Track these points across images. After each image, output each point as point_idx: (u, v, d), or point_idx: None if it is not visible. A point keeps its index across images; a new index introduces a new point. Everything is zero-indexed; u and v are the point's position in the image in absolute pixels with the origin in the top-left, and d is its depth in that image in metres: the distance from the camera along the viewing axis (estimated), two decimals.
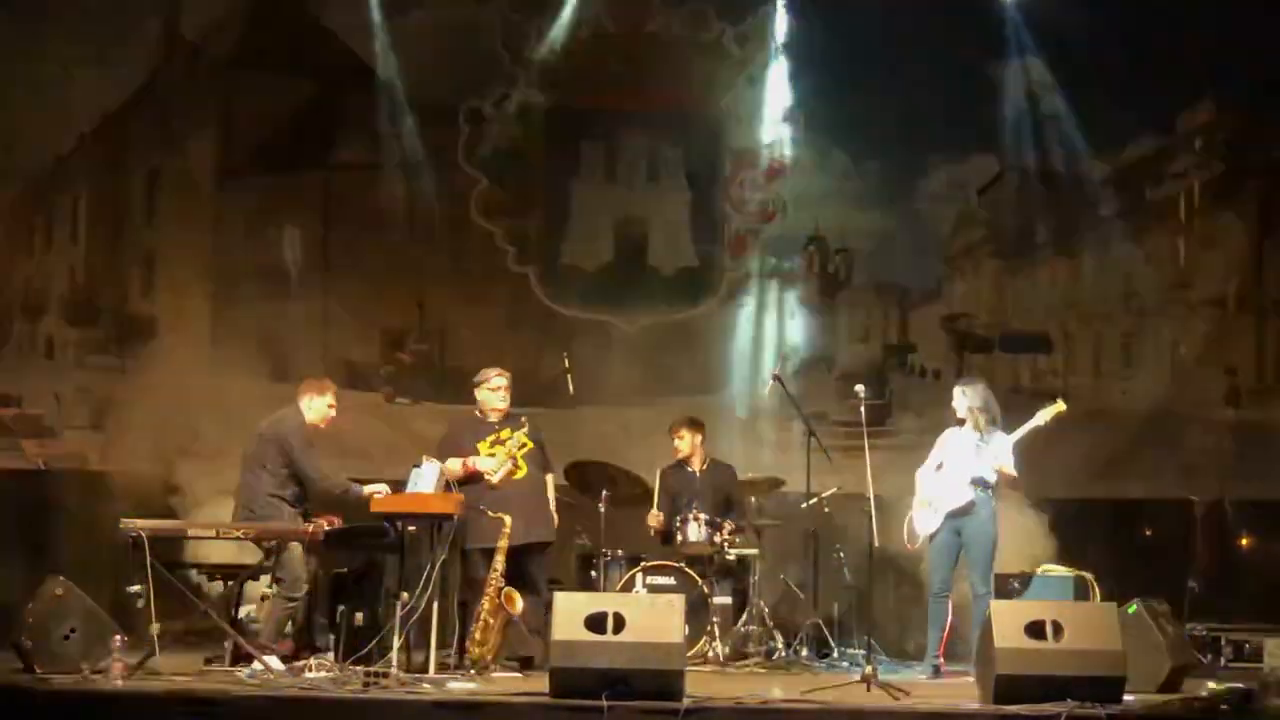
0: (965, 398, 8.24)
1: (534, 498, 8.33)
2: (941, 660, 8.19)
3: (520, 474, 8.30)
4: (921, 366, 11.14)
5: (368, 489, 7.84)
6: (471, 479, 8.21)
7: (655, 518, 9.16)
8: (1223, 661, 9.10)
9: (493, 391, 8.42)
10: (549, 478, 8.56)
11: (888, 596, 9.73)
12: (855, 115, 10.98)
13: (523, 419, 8.37)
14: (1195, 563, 9.35)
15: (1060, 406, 8.16)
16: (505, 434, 8.33)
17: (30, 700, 6.61)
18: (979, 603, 8.03)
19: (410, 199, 11.32)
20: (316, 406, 8.07)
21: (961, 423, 8.25)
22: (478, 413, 8.47)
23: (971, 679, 7.26)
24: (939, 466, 8.25)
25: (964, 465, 8.13)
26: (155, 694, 6.59)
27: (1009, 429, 8.18)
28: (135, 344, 10.83)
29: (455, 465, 8.19)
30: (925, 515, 8.21)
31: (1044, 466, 9.67)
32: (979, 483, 8.10)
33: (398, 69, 11.21)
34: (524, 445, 8.29)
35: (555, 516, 8.52)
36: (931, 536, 8.19)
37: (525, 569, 8.24)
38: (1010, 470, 8.12)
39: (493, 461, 8.25)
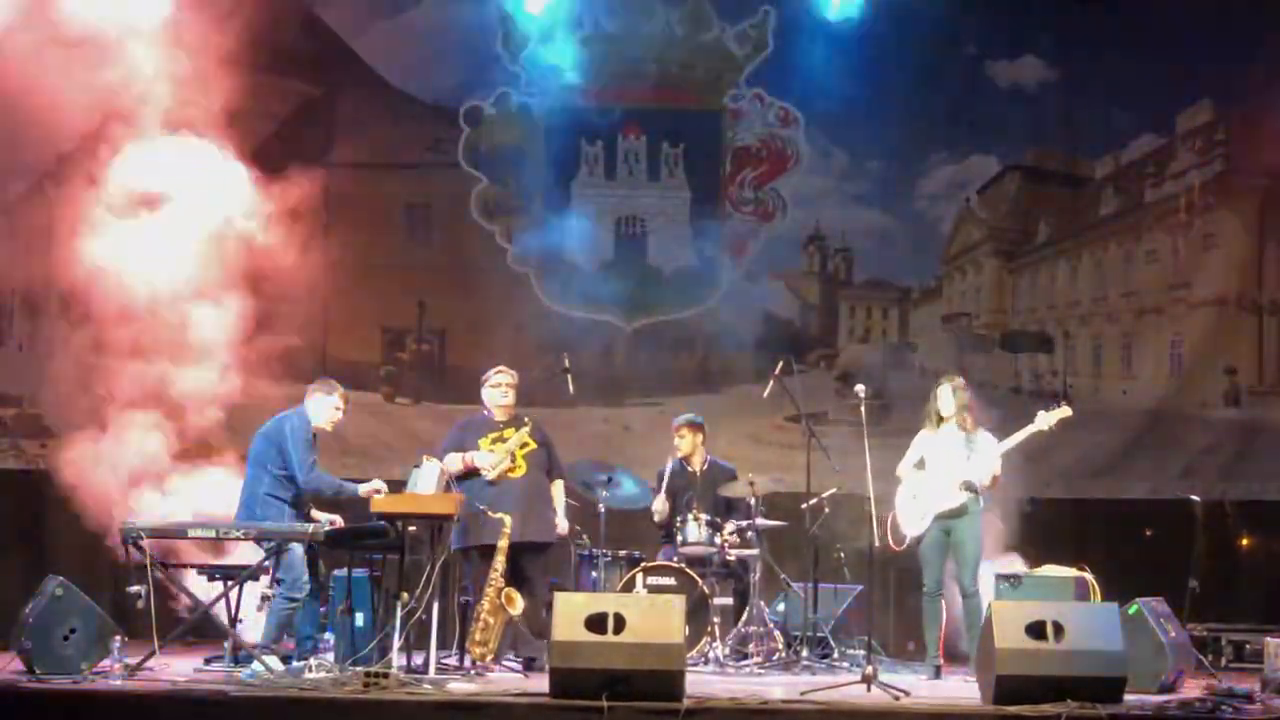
0: (958, 397, 8.23)
1: (532, 497, 8.35)
2: (942, 660, 8.20)
3: (518, 472, 8.34)
4: (922, 366, 11.14)
5: (363, 488, 7.84)
6: (470, 474, 8.24)
7: (661, 502, 9.17)
8: (1223, 661, 9.11)
9: (494, 389, 8.48)
10: (558, 483, 8.58)
11: (888, 596, 9.74)
12: (855, 115, 10.99)
13: (525, 419, 8.42)
14: (1195, 563, 9.33)
15: (1066, 411, 8.16)
16: (509, 433, 8.38)
17: (30, 701, 6.61)
18: (969, 602, 8.06)
19: (410, 199, 11.33)
20: (323, 408, 8.07)
21: (938, 421, 8.23)
22: (485, 412, 8.51)
23: (971, 679, 7.27)
24: (918, 465, 8.27)
25: (954, 466, 8.13)
26: (155, 694, 6.60)
27: (1010, 431, 8.19)
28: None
29: (455, 461, 8.26)
30: (911, 516, 8.21)
31: (1044, 466, 9.69)
32: (969, 485, 8.10)
33: (397, 68, 11.23)
34: (525, 444, 8.34)
35: (563, 520, 8.55)
36: (918, 538, 8.20)
37: (522, 568, 8.25)
38: (999, 472, 8.15)
39: (491, 457, 8.29)
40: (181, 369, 9.40)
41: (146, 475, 9.14)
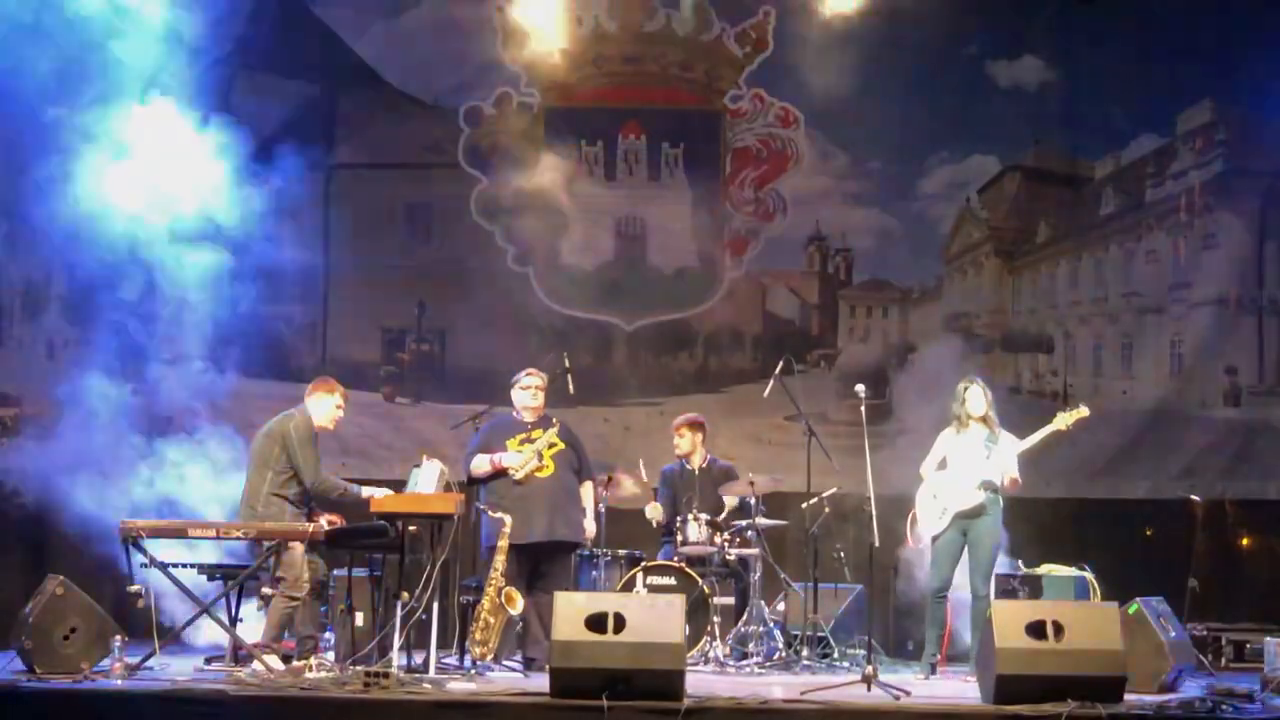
0: (986, 398, 8.21)
1: (560, 497, 8.35)
2: (941, 660, 8.19)
3: (546, 472, 8.34)
4: (922, 366, 11.12)
5: (366, 491, 7.84)
6: (498, 475, 8.26)
7: (654, 509, 9.20)
8: (1223, 661, 9.11)
9: (524, 390, 8.50)
10: (587, 484, 8.60)
11: (888, 596, 9.74)
12: (855, 115, 10.99)
13: (554, 420, 8.44)
14: (1195, 563, 9.34)
15: (1084, 412, 8.17)
16: (536, 433, 8.39)
17: (30, 701, 6.61)
18: (979, 604, 8.03)
19: (410, 199, 11.33)
20: (324, 407, 8.07)
21: (964, 421, 8.22)
22: (515, 413, 8.52)
23: (971, 679, 7.27)
24: (941, 465, 8.25)
25: (975, 466, 8.12)
26: (155, 694, 6.60)
27: (1024, 433, 8.18)
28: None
29: (483, 462, 8.27)
30: (931, 515, 8.20)
31: (1044, 466, 9.68)
32: (989, 485, 8.09)
33: (397, 68, 11.23)
34: (553, 445, 8.36)
35: (590, 523, 8.56)
36: (935, 537, 8.19)
37: (547, 567, 8.26)
38: (1016, 475, 8.13)
39: (519, 457, 8.30)
40: (168, 363, 9.44)
41: (104, 464, 9.16)
